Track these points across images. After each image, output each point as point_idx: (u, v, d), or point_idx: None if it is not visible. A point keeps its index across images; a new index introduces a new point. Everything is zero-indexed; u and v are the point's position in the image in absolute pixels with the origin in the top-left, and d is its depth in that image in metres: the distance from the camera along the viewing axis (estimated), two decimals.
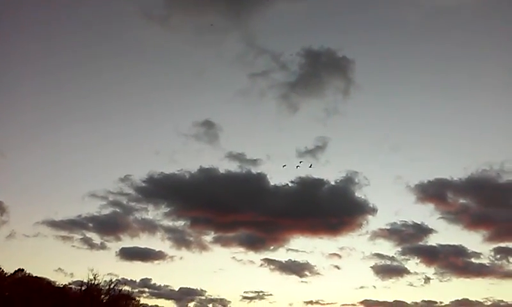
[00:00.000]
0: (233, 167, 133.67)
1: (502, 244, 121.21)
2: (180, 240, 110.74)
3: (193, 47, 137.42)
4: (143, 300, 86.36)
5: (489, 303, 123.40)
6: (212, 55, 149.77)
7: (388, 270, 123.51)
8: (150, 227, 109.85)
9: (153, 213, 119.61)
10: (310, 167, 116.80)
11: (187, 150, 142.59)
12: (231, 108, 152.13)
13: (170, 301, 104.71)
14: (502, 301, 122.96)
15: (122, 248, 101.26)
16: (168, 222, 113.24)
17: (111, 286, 68.03)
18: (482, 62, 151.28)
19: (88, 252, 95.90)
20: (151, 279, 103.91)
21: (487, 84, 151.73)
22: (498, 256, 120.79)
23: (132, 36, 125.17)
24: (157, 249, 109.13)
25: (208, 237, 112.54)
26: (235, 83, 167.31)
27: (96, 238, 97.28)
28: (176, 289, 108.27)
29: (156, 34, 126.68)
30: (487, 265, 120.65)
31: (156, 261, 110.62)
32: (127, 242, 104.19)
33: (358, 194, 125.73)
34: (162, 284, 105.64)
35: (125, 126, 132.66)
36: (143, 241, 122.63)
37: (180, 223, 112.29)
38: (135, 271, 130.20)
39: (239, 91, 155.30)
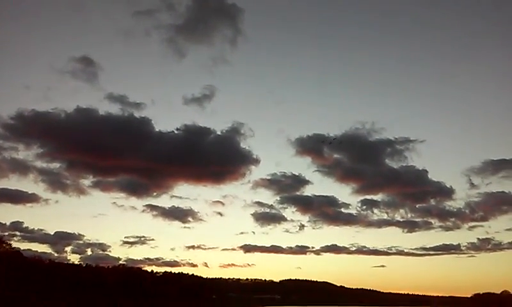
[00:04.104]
0: (114, 109, 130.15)
1: (368, 196, 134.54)
2: (56, 182, 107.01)
3: None
4: (14, 244, 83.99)
5: (354, 249, 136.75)
6: None
7: (267, 217, 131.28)
8: (21, 168, 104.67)
9: (25, 153, 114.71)
10: (335, 140, 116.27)
11: (63, 88, 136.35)
12: (113, 46, 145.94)
13: (45, 245, 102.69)
14: (364, 247, 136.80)
15: None
16: (41, 164, 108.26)
17: None
18: (365, 27, 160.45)
19: None
20: (23, 222, 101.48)
21: (365, 48, 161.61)
22: (364, 207, 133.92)
23: None
24: (29, 192, 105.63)
25: (86, 181, 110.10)
26: (118, 20, 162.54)
27: None
28: (52, 233, 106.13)
29: None
30: (354, 214, 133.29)
31: (29, 204, 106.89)
32: None
33: (243, 145, 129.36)
34: (36, 228, 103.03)
35: None
36: (13, 182, 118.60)
37: (55, 165, 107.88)
38: (4, 214, 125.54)
39: (121, 29, 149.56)
